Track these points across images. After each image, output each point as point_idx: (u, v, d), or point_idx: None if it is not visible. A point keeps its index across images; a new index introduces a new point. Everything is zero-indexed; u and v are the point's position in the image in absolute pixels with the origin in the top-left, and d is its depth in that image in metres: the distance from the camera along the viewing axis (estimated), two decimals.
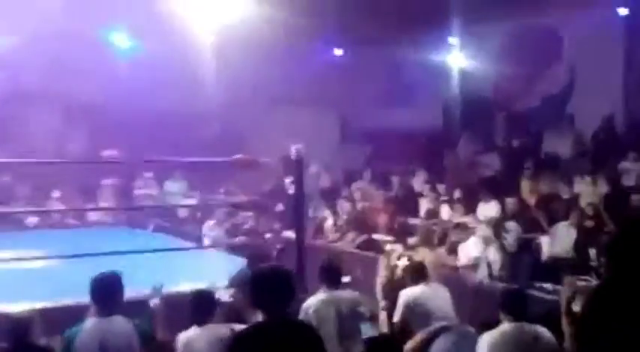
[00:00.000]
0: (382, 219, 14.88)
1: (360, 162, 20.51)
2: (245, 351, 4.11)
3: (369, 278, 10.50)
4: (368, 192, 17.13)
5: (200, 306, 6.35)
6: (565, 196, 14.80)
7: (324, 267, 7.29)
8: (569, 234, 12.97)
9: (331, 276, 7.25)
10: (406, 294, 7.87)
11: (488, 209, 14.83)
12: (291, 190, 11.05)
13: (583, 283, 4.87)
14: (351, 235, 14.89)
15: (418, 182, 17.65)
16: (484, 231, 12.81)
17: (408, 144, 19.14)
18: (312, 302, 6.72)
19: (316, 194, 17.06)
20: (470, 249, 12.17)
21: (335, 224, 15.49)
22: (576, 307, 3.68)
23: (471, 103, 19.87)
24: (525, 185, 15.62)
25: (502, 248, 12.48)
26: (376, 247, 13.19)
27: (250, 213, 15.56)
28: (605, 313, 3.17)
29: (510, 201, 14.19)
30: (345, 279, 7.49)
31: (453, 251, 12.64)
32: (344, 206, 16.06)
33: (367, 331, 7.20)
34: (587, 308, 3.32)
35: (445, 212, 15.37)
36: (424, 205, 16.12)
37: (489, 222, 13.64)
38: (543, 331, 5.64)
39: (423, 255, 10.29)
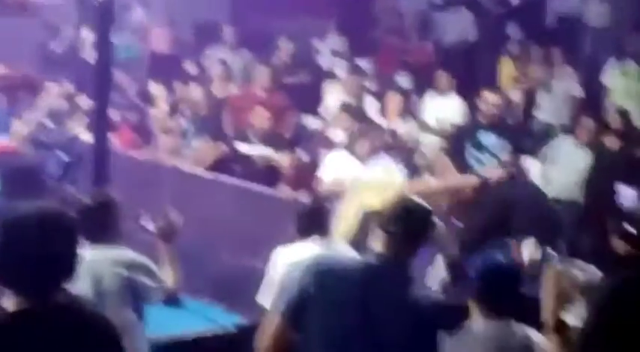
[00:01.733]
0: (258, 117, 9.57)
1: (222, 10, 13.98)
2: None
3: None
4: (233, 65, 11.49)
5: None
6: (576, 94, 10.58)
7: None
8: (576, 158, 9.18)
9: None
10: None
11: (446, 107, 10.31)
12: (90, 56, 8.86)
13: (579, 274, 3.12)
14: (199, 144, 9.74)
15: (326, 51, 11.87)
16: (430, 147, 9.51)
17: None
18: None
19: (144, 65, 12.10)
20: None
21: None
22: (570, 317, 2.96)
23: None
24: (507, 67, 10.95)
25: None
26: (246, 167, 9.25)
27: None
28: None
29: (489, 98, 9.00)
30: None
31: None
32: (190, 90, 10.51)
33: None
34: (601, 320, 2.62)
35: (372, 108, 10.16)
36: (335, 94, 10.41)
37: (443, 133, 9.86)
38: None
39: None
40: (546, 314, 3.09)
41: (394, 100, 9.97)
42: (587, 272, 3.23)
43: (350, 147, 8.47)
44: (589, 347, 2.71)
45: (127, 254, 4.69)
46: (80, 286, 4.07)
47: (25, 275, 3.03)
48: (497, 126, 9.08)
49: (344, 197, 7.30)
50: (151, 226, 4.88)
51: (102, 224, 4.65)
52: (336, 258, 4.00)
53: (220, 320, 6.71)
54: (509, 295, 4.00)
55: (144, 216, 4.93)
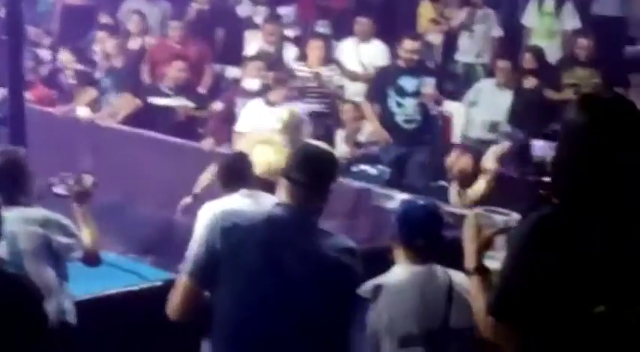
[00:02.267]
0: (173, 69, 9.23)
1: None
2: None
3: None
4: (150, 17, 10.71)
5: None
6: (496, 35, 10.11)
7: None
8: (497, 99, 8.97)
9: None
10: None
11: (369, 53, 9.71)
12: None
13: (500, 218, 3.04)
14: (115, 98, 9.39)
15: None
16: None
17: None
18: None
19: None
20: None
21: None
22: (491, 262, 2.94)
23: None
24: (426, 10, 10.41)
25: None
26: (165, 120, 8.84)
27: None
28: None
29: (408, 45, 8.88)
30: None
31: None
32: (105, 43, 9.90)
33: None
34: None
35: (291, 55, 9.73)
36: (254, 43, 9.94)
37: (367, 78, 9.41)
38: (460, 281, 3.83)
39: None
40: (467, 258, 3.00)
41: (315, 47, 9.33)
42: (508, 217, 3.09)
43: (264, 95, 8.21)
44: (509, 288, 2.68)
45: (40, 211, 4.47)
46: None
47: None
48: (417, 70, 8.92)
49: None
50: (62, 190, 4.68)
51: (12, 183, 4.42)
52: (241, 212, 3.72)
53: (147, 275, 6.42)
54: (430, 237, 3.86)
55: (55, 181, 4.71)
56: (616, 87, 8.21)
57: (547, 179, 2.91)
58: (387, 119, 8.65)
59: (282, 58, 9.49)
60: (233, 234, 3.46)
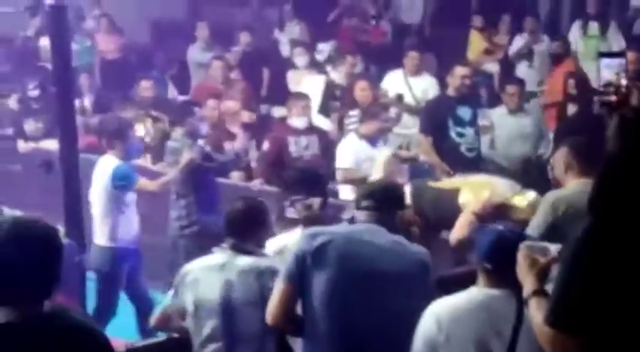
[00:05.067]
0: (209, 109, 8.94)
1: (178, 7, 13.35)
2: None
3: None
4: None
5: None
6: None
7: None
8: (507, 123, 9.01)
9: None
10: None
11: (421, 86, 9.58)
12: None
13: (555, 247, 3.18)
14: None
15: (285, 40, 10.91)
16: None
17: None
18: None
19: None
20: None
21: None
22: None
23: None
24: (476, 40, 10.34)
25: None
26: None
27: None
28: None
29: (461, 72, 8.66)
30: None
31: None
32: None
33: None
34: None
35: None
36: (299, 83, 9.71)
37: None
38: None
39: None
40: (526, 287, 3.12)
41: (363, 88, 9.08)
42: (558, 246, 3.18)
43: (356, 130, 8.06)
44: (566, 297, 2.76)
45: (262, 262, 4.59)
46: None
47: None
48: (471, 98, 8.88)
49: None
50: (293, 214, 4.99)
51: (243, 230, 4.58)
52: (326, 230, 4.13)
53: None
54: (497, 261, 3.85)
55: (286, 205, 5.00)
56: None
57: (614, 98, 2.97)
58: (449, 150, 8.46)
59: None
60: (321, 249, 3.96)
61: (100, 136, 7.18)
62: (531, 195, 6.25)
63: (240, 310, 4.48)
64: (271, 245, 4.98)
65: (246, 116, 9.47)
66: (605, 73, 3.11)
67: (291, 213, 5.03)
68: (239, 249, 4.50)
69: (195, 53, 11.05)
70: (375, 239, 4.07)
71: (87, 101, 10.22)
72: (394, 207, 4.24)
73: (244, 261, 4.53)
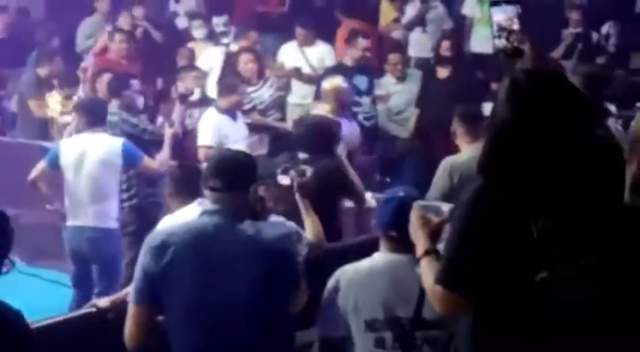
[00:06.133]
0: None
1: None
2: None
3: None
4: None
5: None
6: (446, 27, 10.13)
7: None
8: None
9: None
10: None
11: (315, 55, 9.56)
12: None
13: (447, 208, 3.27)
14: None
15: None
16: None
17: None
18: None
19: None
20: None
21: None
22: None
23: None
24: (387, 8, 10.31)
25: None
26: None
27: None
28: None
29: (362, 43, 8.94)
30: None
31: None
32: None
33: None
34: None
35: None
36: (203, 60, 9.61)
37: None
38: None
39: None
40: (418, 245, 3.14)
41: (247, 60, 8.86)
42: (447, 205, 3.25)
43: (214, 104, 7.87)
44: (455, 257, 2.79)
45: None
46: None
47: None
48: (367, 67, 8.91)
49: None
50: (287, 180, 4.84)
51: None
52: (169, 229, 3.80)
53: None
54: (404, 228, 3.67)
55: (278, 172, 4.85)
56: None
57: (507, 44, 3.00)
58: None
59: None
60: (164, 253, 3.56)
61: (80, 115, 6.78)
62: None
63: None
64: (169, 220, 4.86)
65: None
66: (499, 17, 3.10)
67: (284, 180, 4.87)
68: None
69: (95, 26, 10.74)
70: (229, 232, 3.66)
71: None
72: (246, 183, 3.77)
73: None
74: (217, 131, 7.50)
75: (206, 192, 3.77)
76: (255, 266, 3.60)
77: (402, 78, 9.00)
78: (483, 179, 2.79)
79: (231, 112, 7.64)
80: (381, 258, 3.91)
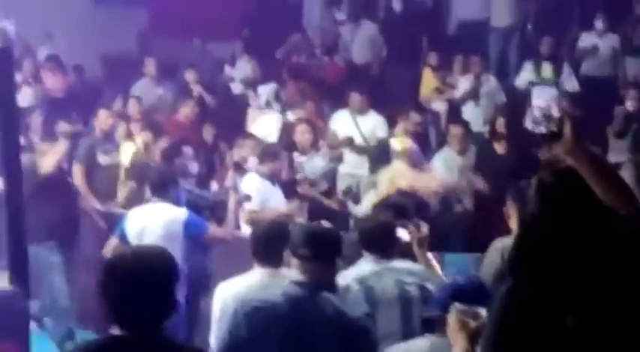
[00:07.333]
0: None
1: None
2: None
3: None
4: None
5: None
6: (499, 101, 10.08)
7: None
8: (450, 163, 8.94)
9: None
10: None
11: (367, 125, 9.51)
12: None
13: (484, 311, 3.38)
14: None
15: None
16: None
17: None
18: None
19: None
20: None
21: None
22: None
23: None
24: (428, 78, 10.38)
25: None
26: None
27: None
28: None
29: (414, 118, 9.00)
30: None
31: None
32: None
33: None
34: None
35: None
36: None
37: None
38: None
39: None
40: (456, 347, 3.35)
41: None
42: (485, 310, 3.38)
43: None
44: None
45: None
46: None
47: (119, 311, 3.19)
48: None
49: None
50: (404, 235, 5.17)
51: None
52: (260, 296, 3.92)
53: None
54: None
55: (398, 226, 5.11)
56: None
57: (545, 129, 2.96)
58: None
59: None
60: (256, 320, 3.73)
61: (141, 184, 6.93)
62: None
63: None
64: (225, 289, 4.89)
65: None
66: (538, 101, 3.13)
67: (402, 234, 5.16)
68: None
69: (144, 89, 10.83)
70: (318, 305, 3.81)
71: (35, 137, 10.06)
72: (332, 254, 3.96)
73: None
74: (260, 195, 7.58)
75: (293, 261, 3.94)
76: (340, 343, 3.80)
77: (460, 151, 8.80)
78: (512, 277, 2.85)
79: (271, 178, 7.74)
80: (431, 341, 3.89)
